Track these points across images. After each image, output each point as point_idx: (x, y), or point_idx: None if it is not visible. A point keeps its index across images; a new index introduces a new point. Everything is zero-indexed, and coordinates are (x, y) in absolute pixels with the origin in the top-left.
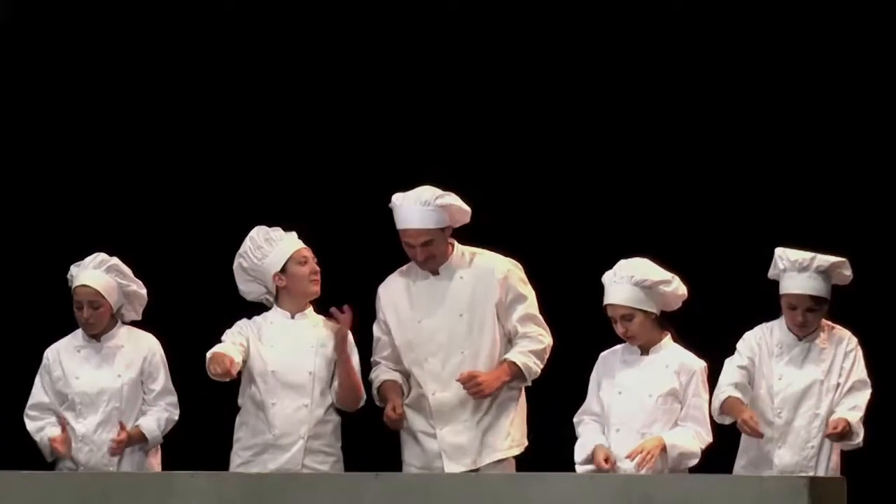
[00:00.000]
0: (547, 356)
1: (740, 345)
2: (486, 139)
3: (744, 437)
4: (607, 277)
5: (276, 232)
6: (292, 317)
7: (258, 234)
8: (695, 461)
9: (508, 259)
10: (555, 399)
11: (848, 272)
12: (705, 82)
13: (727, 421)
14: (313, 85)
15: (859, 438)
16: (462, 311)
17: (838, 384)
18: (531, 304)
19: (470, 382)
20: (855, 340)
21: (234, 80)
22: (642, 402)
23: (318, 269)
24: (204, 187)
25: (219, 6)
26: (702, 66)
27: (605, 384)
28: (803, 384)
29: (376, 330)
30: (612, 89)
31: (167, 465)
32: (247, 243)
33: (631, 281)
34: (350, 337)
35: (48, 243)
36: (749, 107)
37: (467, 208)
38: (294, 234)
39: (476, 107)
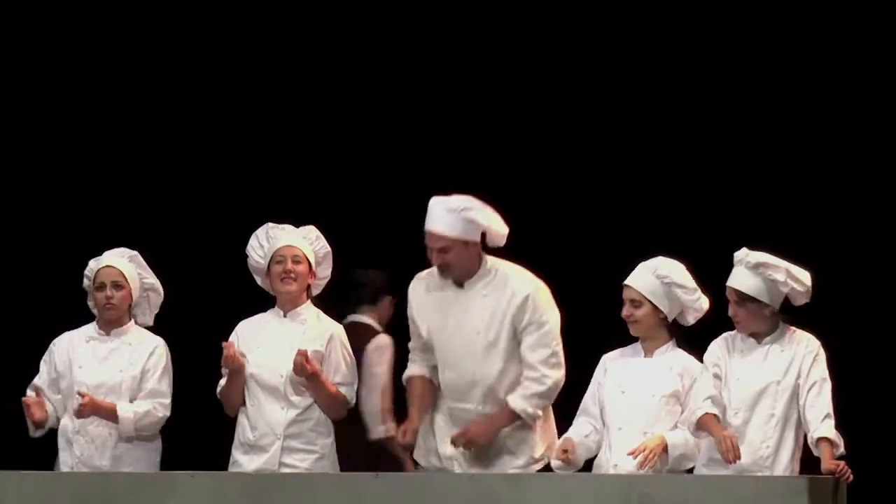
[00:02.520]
0: (555, 392)
1: (706, 356)
2: (494, 141)
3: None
4: (639, 265)
5: (275, 230)
6: (284, 315)
7: (261, 231)
8: (693, 463)
9: (534, 280)
10: (560, 401)
11: (781, 277)
12: (715, 82)
13: (702, 436)
14: (315, 86)
15: (841, 448)
16: (479, 330)
17: (797, 384)
18: (546, 332)
19: (462, 440)
20: (817, 343)
21: (230, 82)
22: (645, 401)
23: (291, 268)
24: (203, 190)
25: (259, 6)
26: (710, 65)
27: (607, 384)
28: (759, 386)
29: (409, 318)
30: (613, 90)
31: (167, 465)
32: (251, 241)
33: (654, 272)
34: (314, 366)
35: (49, 246)
36: (761, 112)
37: (501, 230)
38: (296, 232)
39: (484, 105)
